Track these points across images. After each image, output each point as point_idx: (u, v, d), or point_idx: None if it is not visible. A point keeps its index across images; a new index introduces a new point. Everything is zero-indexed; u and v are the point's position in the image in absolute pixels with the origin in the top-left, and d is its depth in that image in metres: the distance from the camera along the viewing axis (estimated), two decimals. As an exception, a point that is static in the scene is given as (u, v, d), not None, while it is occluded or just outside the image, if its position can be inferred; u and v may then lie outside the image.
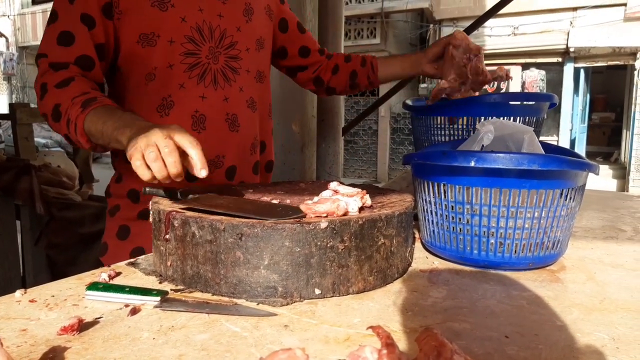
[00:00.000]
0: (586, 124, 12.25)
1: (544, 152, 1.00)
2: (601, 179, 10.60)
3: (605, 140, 13.51)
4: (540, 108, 1.34)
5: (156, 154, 0.80)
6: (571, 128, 11.20)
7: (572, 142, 11.23)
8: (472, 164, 0.82)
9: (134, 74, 1.15)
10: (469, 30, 2.93)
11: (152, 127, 0.85)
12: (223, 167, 1.23)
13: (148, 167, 0.82)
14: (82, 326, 0.63)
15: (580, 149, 11.68)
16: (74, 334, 0.61)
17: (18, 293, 0.75)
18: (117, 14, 1.10)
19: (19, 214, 2.22)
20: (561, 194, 0.85)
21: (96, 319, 0.66)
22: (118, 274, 0.84)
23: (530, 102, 1.32)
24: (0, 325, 0.64)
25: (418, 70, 1.43)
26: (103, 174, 1.37)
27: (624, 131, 11.34)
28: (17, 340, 0.60)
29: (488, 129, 1.07)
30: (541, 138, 1.13)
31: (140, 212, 1.19)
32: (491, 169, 0.82)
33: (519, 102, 1.31)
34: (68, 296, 0.75)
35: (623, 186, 10.03)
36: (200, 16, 1.16)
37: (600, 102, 13.62)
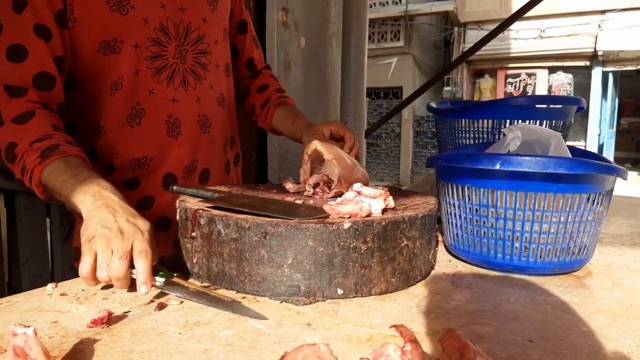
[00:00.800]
0: (614, 129, 12.00)
1: (571, 156, 0.99)
2: (630, 185, 10.34)
3: (634, 146, 13.20)
4: (568, 112, 1.32)
5: (107, 272, 0.72)
6: (599, 133, 10.98)
7: (600, 148, 11.01)
8: (498, 166, 0.81)
9: (97, 85, 1.05)
10: (493, 33, 2.90)
11: (114, 221, 0.77)
12: (197, 172, 1.20)
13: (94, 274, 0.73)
14: (111, 320, 0.65)
15: (609, 154, 11.44)
16: (103, 327, 0.63)
17: (49, 287, 0.77)
18: (72, 22, 0.99)
19: (49, 211, 2.27)
20: (588, 198, 0.84)
21: (125, 312, 0.68)
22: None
23: (557, 106, 1.30)
24: (33, 317, 0.67)
25: (297, 138, 1.28)
26: None
27: (654, 137, 11.06)
28: (49, 332, 0.62)
29: (515, 135, 1.06)
30: (568, 143, 1.11)
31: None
32: (517, 172, 0.82)
33: (545, 106, 1.30)
34: (98, 290, 0.77)
35: (652, 193, 9.79)
36: (164, 13, 1.08)
37: (629, 106, 13.31)
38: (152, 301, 0.72)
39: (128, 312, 0.69)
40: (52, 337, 0.60)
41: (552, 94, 11.27)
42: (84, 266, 0.72)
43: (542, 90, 11.32)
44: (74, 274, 0.80)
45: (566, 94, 11.15)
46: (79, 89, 1.06)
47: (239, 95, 1.40)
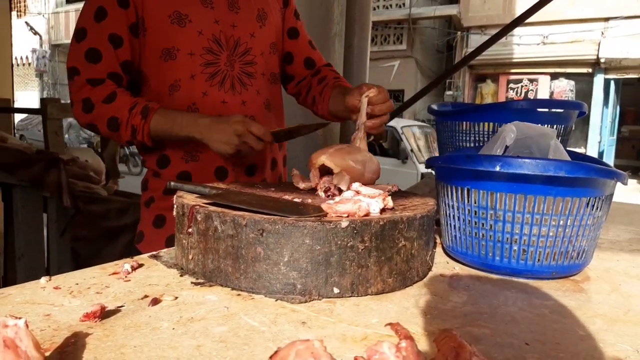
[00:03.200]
0: (615, 137, 12.00)
1: (570, 159, 0.98)
2: (630, 193, 10.34)
3: (635, 154, 13.19)
4: (569, 116, 1.32)
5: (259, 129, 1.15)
6: (599, 140, 10.99)
7: (601, 155, 11.02)
8: (498, 168, 0.81)
9: (158, 86, 1.26)
10: (495, 37, 2.90)
11: (226, 120, 1.15)
12: (244, 164, 1.34)
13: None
14: (104, 314, 0.64)
15: (609, 161, 11.42)
16: (96, 321, 0.62)
17: (43, 280, 0.77)
18: (142, 31, 1.21)
19: (45, 206, 2.27)
20: (588, 202, 0.84)
21: (118, 307, 0.67)
22: (140, 265, 0.85)
23: (559, 110, 1.29)
24: (26, 310, 0.66)
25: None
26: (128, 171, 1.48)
27: (655, 145, 11.07)
28: (41, 325, 0.61)
29: (510, 129, 1.06)
30: (569, 148, 1.10)
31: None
32: (516, 174, 0.81)
33: (546, 109, 1.29)
34: (92, 284, 0.76)
35: (652, 201, 9.77)
36: (217, 28, 1.26)
37: (631, 114, 13.32)
38: (145, 296, 0.72)
39: (121, 306, 0.68)
40: (43, 330, 0.60)
41: (554, 100, 11.27)
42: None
43: (543, 96, 11.33)
44: (71, 268, 0.84)
45: (567, 101, 11.15)
46: (145, 88, 1.28)
47: (303, 94, 1.51)
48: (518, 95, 11.64)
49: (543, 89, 11.31)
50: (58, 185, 2.15)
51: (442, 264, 0.95)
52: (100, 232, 2.24)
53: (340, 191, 1.00)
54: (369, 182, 1.07)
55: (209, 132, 1.16)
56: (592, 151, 10.79)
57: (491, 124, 1.31)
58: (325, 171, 1.06)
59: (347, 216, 0.77)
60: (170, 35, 1.21)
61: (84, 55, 1.18)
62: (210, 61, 1.25)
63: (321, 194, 1.00)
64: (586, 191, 0.83)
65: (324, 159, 1.01)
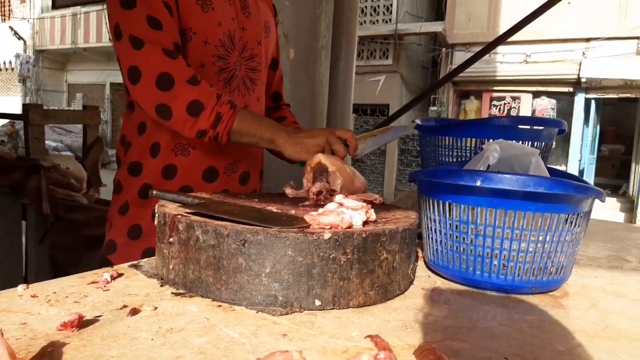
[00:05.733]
0: (595, 155, 12.22)
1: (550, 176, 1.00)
2: (609, 212, 10.52)
3: (614, 173, 13.44)
4: (550, 134, 1.34)
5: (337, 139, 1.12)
6: (580, 159, 11.17)
7: (581, 173, 11.19)
8: (479, 183, 0.82)
9: None
10: (478, 55, 2.95)
11: (314, 129, 1.15)
12: (237, 172, 1.31)
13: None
14: (82, 323, 0.63)
15: (589, 179, 11.59)
16: (73, 330, 0.61)
17: (20, 288, 0.75)
18: (174, 6, 1.12)
19: (24, 213, 2.23)
20: (566, 219, 0.85)
21: (96, 317, 0.66)
22: (120, 274, 0.84)
23: (539, 127, 1.32)
24: (1, 318, 0.65)
25: None
26: (111, 178, 1.40)
27: (633, 164, 11.30)
28: (16, 333, 0.60)
29: (494, 148, 1.08)
30: (549, 166, 1.12)
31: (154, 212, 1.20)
32: (497, 189, 0.82)
33: (528, 127, 1.31)
34: (69, 293, 0.75)
35: (631, 219, 9.95)
36: (233, 25, 1.22)
37: (610, 134, 13.59)
38: (124, 306, 0.71)
39: (99, 316, 0.67)
40: (19, 339, 0.59)
41: (536, 118, 11.45)
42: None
43: (525, 114, 11.51)
44: (49, 276, 0.82)
45: (549, 119, 11.34)
46: None
47: None
48: (501, 112, 11.81)
49: (525, 106, 11.49)
50: (38, 192, 2.12)
51: (424, 278, 0.96)
52: (80, 240, 2.20)
53: (332, 194, 1.02)
54: (357, 192, 1.09)
55: (295, 135, 1.11)
56: (572, 169, 10.96)
57: (474, 139, 1.33)
58: (317, 178, 1.09)
59: (330, 228, 0.77)
60: (191, 16, 1.13)
61: (146, 22, 1.06)
62: (222, 55, 1.20)
63: (312, 196, 1.04)
64: (565, 207, 0.84)
65: (320, 156, 1.07)
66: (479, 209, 0.85)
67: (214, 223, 0.75)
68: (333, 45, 2.30)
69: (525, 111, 11.49)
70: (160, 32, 1.07)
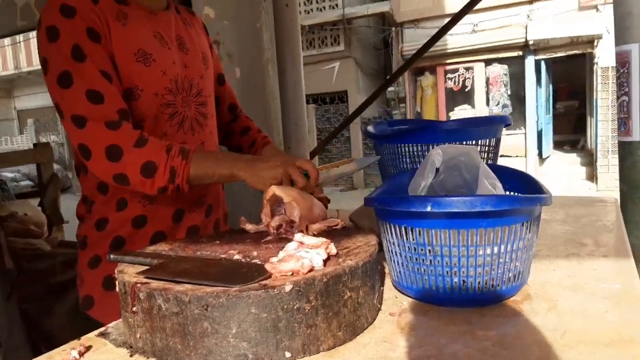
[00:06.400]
0: (551, 114, 12.54)
1: (498, 182, 1.03)
2: (570, 167, 10.87)
3: (571, 128, 13.87)
4: (497, 129, 1.38)
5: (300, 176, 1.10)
6: (537, 120, 11.44)
7: (540, 133, 11.49)
8: (429, 208, 0.84)
9: None
10: (433, 39, 2.98)
11: (274, 158, 1.13)
12: (204, 207, 1.33)
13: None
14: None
15: (547, 139, 11.96)
16: None
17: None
18: (115, 67, 1.13)
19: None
20: (517, 228, 0.88)
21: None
22: (88, 348, 0.83)
23: (485, 126, 1.35)
24: None
25: None
26: (72, 205, 1.38)
27: (589, 118, 11.65)
28: None
29: (437, 152, 1.12)
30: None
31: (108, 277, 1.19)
32: (448, 212, 0.85)
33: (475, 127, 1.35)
34: (39, 381, 0.74)
35: (591, 173, 10.29)
36: (175, 69, 1.22)
37: (563, 91, 13.99)
38: (95, 389, 0.70)
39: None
40: None
41: (490, 85, 11.66)
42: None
43: (480, 83, 11.71)
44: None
45: (503, 85, 11.58)
46: None
47: (220, 137, 1.52)
48: (456, 84, 11.98)
49: (479, 75, 11.69)
50: (-2, 247, 2.06)
51: (391, 300, 0.98)
52: (48, 288, 2.15)
53: (292, 226, 1.04)
54: (317, 219, 1.10)
55: (254, 166, 1.10)
56: (531, 131, 11.23)
57: (426, 145, 1.36)
58: (275, 210, 1.10)
59: (292, 274, 0.78)
60: (136, 75, 1.14)
61: (86, 98, 1.05)
62: (169, 102, 1.21)
63: (272, 231, 1.05)
64: (514, 219, 0.87)
65: (274, 188, 1.07)
66: (433, 231, 0.88)
67: (174, 289, 0.75)
68: (278, 56, 2.29)
69: (479, 80, 11.69)
70: (101, 105, 1.06)
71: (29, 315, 2.11)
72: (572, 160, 11.27)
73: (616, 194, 2.59)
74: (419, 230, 0.89)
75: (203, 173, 1.10)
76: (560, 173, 10.46)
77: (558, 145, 12.80)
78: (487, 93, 11.72)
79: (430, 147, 1.34)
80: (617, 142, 2.78)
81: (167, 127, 1.21)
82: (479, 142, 1.36)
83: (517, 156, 11.10)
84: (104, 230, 1.23)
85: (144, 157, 1.07)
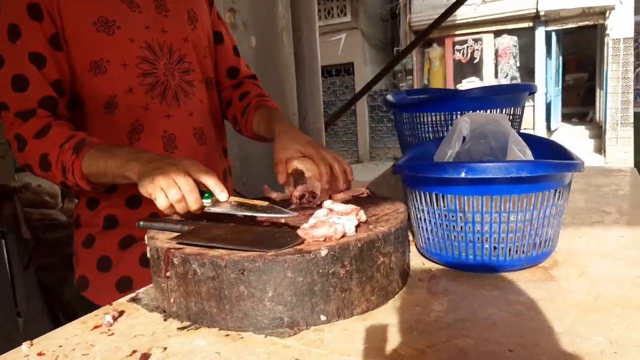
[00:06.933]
0: (560, 86, 12.38)
1: (528, 150, 1.02)
2: (578, 139, 10.78)
3: (580, 101, 13.69)
4: (521, 97, 1.36)
5: (180, 195, 0.87)
6: (546, 92, 11.31)
7: (548, 106, 11.36)
8: (463, 175, 0.83)
9: (93, 104, 1.12)
10: (450, 10, 2.92)
11: (162, 161, 0.92)
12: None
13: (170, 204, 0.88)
14: (96, 381, 0.63)
15: (556, 111, 11.83)
16: (89, 391, 0.62)
17: (24, 347, 0.75)
18: (64, 44, 1.06)
19: (5, 240, 2.19)
20: (550, 194, 0.87)
21: (108, 370, 0.67)
22: (121, 313, 0.84)
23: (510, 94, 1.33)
24: (13, 387, 0.65)
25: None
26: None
27: (598, 90, 11.50)
28: (33, 404, 0.60)
29: (464, 120, 1.10)
30: (525, 132, 1.14)
31: (121, 241, 1.17)
32: (481, 178, 0.84)
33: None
34: (76, 345, 0.75)
35: (600, 145, 10.22)
36: (149, 34, 1.14)
37: (573, 63, 13.77)
38: (134, 351, 0.71)
39: (112, 368, 0.67)
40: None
41: (499, 57, 11.51)
42: (161, 201, 0.87)
43: (489, 54, 11.55)
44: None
45: (512, 57, 11.42)
46: (81, 108, 1.12)
47: (223, 107, 1.41)
48: (464, 56, 11.82)
49: (488, 47, 11.51)
50: (14, 217, 2.07)
51: (419, 267, 0.98)
52: (65, 258, 2.15)
53: (314, 196, 1.03)
54: (340, 191, 1.09)
55: (149, 165, 0.92)
56: (539, 103, 11.11)
57: (449, 114, 1.34)
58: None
59: (324, 239, 0.78)
60: (97, 46, 1.06)
61: (10, 84, 1.02)
62: (147, 71, 1.13)
63: (295, 201, 1.05)
64: (548, 185, 0.86)
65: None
66: (465, 198, 0.87)
67: (209, 254, 0.75)
68: (293, 25, 2.24)
69: (488, 52, 11.52)
70: (23, 93, 1.02)
71: (47, 285, 2.14)
72: (580, 133, 11.17)
73: (623, 167, 2.57)
74: (451, 197, 0.89)
75: (95, 170, 0.99)
76: (568, 146, 10.37)
77: (566, 117, 12.67)
78: (496, 65, 11.56)
79: (453, 115, 1.32)
80: (626, 114, 2.74)
81: (147, 100, 1.14)
82: (504, 111, 1.34)
83: (525, 129, 10.96)
84: (95, 210, 1.18)
85: (41, 149, 1.02)
